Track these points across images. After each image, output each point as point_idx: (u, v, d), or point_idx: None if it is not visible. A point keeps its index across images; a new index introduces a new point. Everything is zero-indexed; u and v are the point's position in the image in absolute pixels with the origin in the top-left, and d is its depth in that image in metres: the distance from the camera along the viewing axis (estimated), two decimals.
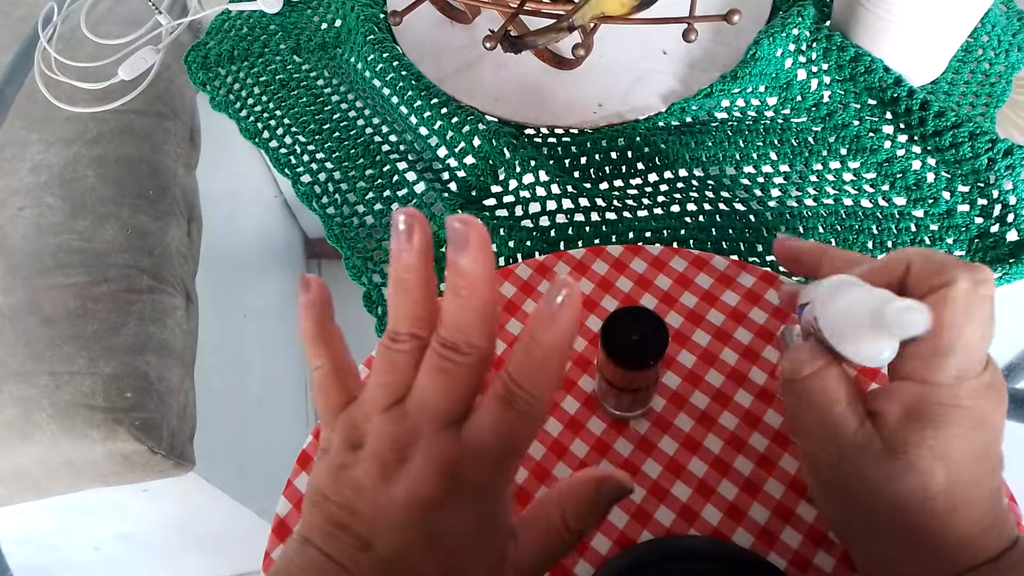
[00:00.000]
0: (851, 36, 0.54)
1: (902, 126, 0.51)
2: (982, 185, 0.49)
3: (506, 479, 0.27)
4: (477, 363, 0.26)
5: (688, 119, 0.55)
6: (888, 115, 0.52)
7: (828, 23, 0.56)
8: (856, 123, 0.53)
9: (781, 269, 0.48)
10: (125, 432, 0.55)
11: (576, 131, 0.56)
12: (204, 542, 0.83)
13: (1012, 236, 0.47)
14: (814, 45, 0.54)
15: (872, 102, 0.53)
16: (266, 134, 0.59)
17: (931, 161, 0.51)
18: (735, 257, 0.47)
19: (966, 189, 0.49)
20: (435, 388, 0.26)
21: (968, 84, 0.55)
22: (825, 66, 0.54)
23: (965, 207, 0.49)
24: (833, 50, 0.53)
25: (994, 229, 0.48)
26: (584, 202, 0.52)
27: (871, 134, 0.52)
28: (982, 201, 0.49)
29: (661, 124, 0.55)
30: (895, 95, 0.51)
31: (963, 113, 0.51)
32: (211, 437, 0.65)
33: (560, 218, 0.51)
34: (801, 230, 0.49)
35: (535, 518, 0.28)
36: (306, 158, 0.57)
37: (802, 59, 0.54)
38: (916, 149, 0.51)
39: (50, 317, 0.57)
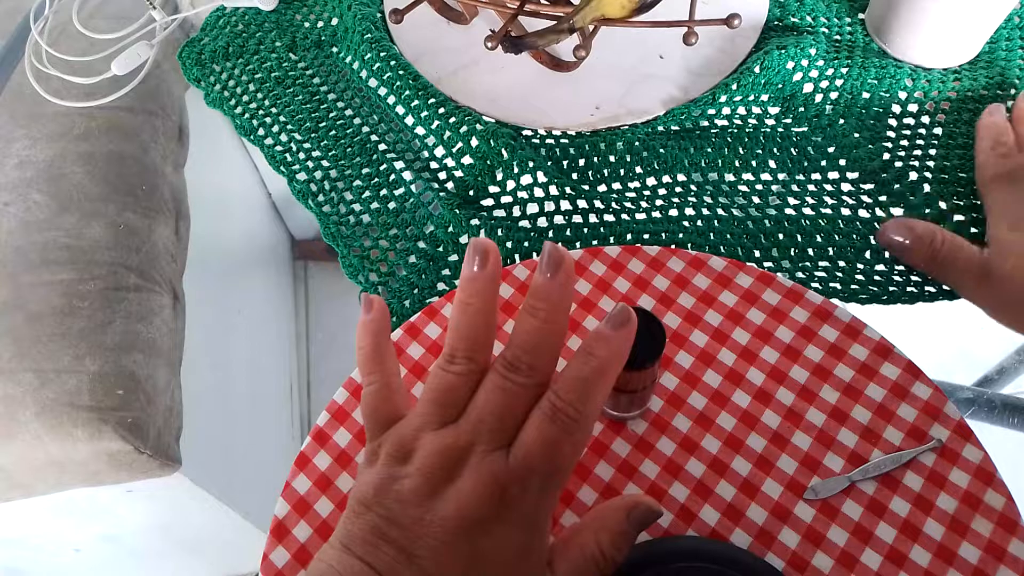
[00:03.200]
0: (888, 13, 0.56)
1: (904, 143, 0.52)
2: (977, 199, 0.50)
3: (549, 503, 0.28)
4: (536, 388, 0.27)
5: (688, 124, 0.55)
6: (889, 130, 0.53)
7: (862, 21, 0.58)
8: (856, 135, 0.53)
9: (778, 273, 0.49)
10: (111, 431, 0.54)
11: (574, 133, 0.56)
12: (189, 544, 0.82)
13: None
14: (834, 62, 0.55)
15: (871, 121, 0.54)
16: (261, 131, 0.59)
17: (927, 173, 0.51)
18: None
19: (961, 202, 0.50)
20: (494, 408, 0.27)
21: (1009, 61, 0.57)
22: (839, 82, 0.55)
23: (960, 216, 0.49)
24: (856, 69, 0.55)
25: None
26: (582, 204, 0.52)
27: (870, 145, 0.53)
28: (975, 212, 0.49)
29: (661, 128, 0.55)
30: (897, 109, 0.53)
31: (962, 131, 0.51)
32: (197, 437, 0.64)
33: (558, 219, 0.51)
34: (799, 238, 0.50)
35: (571, 545, 0.28)
36: (302, 156, 0.57)
37: (813, 74, 0.55)
38: (914, 162, 0.52)
39: (36, 314, 0.56)
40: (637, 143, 0.54)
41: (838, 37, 0.59)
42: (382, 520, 0.26)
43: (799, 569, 0.38)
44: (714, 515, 0.39)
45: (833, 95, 0.55)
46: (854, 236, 0.50)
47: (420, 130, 0.57)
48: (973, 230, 0.49)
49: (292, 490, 0.41)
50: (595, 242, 0.50)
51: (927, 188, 0.51)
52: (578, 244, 0.50)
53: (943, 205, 0.50)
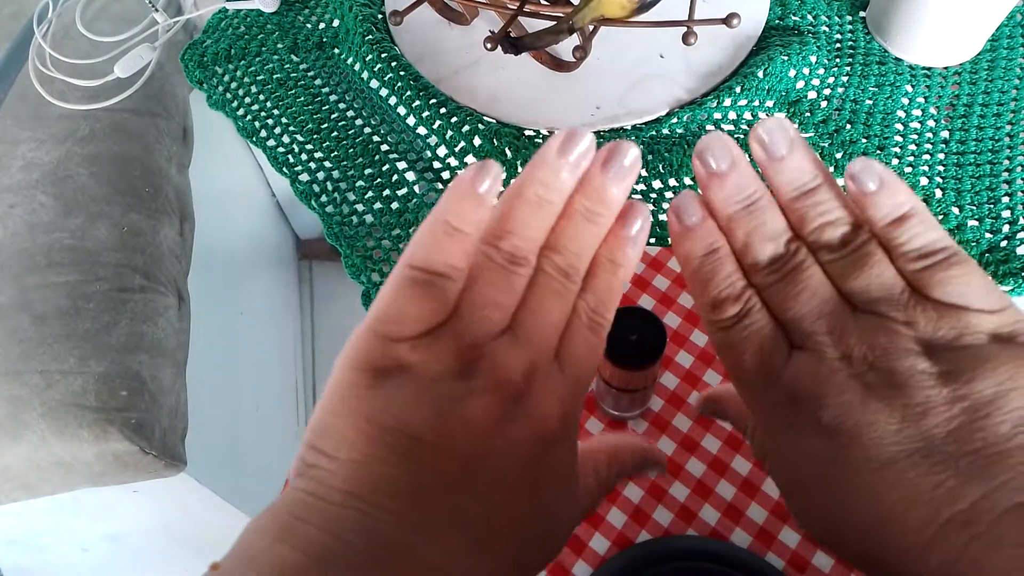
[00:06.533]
0: (889, 11, 0.56)
1: (912, 147, 0.52)
2: (992, 203, 0.50)
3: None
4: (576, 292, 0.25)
5: (694, 128, 0.55)
6: (897, 135, 0.53)
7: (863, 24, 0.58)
8: (864, 140, 0.53)
9: None
10: (116, 432, 0.55)
11: None
12: (193, 544, 0.83)
13: (1022, 250, 0.48)
14: (835, 69, 0.55)
15: (878, 127, 0.54)
16: (263, 133, 0.59)
17: (939, 178, 0.51)
18: None
19: (975, 205, 0.50)
20: (551, 315, 0.24)
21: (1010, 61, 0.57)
22: (841, 89, 0.55)
23: (975, 222, 0.49)
24: (856, 77, 0.55)
25: (1004, 244, 0.48)
26: None
27: (879, 151, 0.53)
28: (991, 217, 0.49)
29: (666, 131, 0.55)
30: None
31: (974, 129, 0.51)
32: (202, 438, 0.64)
33: None
34: None
35: (586, 465, 0.26)
36: (304, 157, 0.57)
37: (815, 82, 0.55)
38: (924, 167, 0.52)
39: (41, 316, 0.56)
40: (641, 146, 0.54)
41: (839, 36, 0.59)
42: (439, 454, 0.21)
43: (799, 568, 0.38)
44: (714, 514, 0.40)
45: (837, 101, 0.56)
46: None
47: (422, 130, 0.57)
48: (989, 236, 0.49)
49: None
50: None
51: (939, 195, 0.51)
52: None
53: (956, 211, 0.50)
